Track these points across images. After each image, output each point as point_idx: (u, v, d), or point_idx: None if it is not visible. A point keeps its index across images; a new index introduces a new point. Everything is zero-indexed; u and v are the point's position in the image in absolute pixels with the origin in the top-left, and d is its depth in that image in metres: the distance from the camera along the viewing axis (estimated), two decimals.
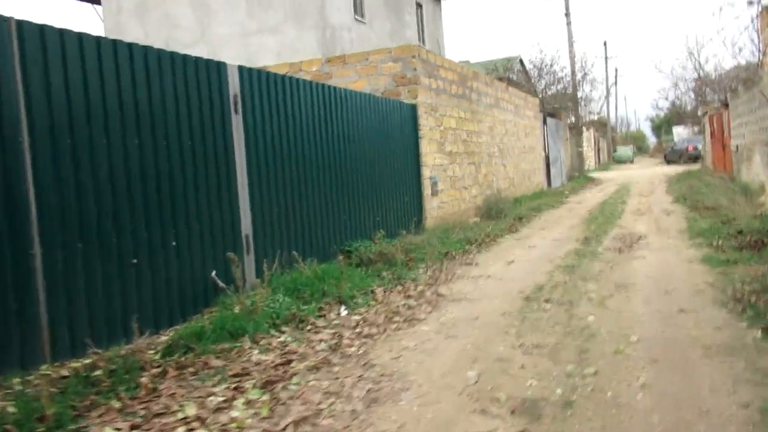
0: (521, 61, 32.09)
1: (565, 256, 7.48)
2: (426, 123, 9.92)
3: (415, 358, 4.08)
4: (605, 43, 70.04)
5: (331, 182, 7.10)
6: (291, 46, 13.80)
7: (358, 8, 15.25)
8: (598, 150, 43.67)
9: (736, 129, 14.36)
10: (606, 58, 47.72)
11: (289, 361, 4.08)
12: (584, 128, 31.22)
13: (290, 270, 5.87)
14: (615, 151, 55.31)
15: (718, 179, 14.74)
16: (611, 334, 4.18)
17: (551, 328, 4.47)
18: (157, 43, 15.91)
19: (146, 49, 4.52)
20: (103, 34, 16.76)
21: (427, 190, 9.82)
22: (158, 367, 3.87)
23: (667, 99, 49.46)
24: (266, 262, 5.71)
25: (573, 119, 26.55)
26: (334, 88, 7.43)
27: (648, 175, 26.53)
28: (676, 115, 61.17)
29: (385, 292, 5.93)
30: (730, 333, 4.03)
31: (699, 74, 22.32)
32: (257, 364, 4.03)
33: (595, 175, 28.33)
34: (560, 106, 25.56)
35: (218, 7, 14.63)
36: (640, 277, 5.98)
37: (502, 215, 11.84)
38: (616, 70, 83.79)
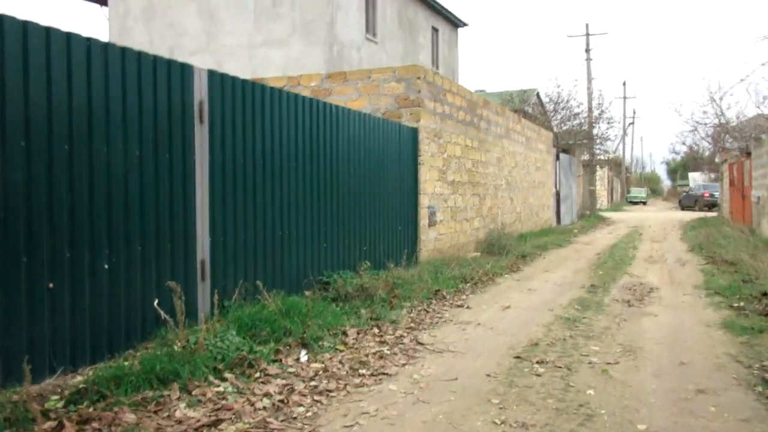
0: (538, 95, 31.57)
1: (567, 306, 6.73)
2: (427, 149, 9.27)
3: (372, 429, 3.35)
4: (624, 83, 69.68)
5: (312, 206, 6.43)
6: (297, 61, 13.27)
7: (370, 26, 14.75)
8: (612, 189, 42.91)
9: (758, 179, 13.61)
10: (624, 97, 47.24)
11: (219, 421, 3.36)
12: (598, 166, 30.52)
13: (252, 302, 5.17)
14: (629, 191, 54.52)
15: (737, 231, 13.94)
16: (613, 419, 3.43)
17: (542, 401, 3.73)
18: (162, 50, 15.51)
19: (71, 37, 3.82)
20: (107, 38, 16.40)
21: (423, 220, 9.13)
22: (55, 419, 3.17)
23: (684, 144, 48.60)
24: (226, 292, 5.03)
25: (587, 156, 25.88)
26: (324, 103, 6.80)
27: (662, 219, 25.71)
28: (692, 161, 60.38)
29: (358, 334, 5.22)
30: (761, 430, 3.27)
31: (719, 120, 21.56)
32: (179, 422, 3.32)
33: (607, 214, 27.54)
34: (575, 142, 24.90)
35: (225, 17, 14.18)
36: (651, 340, 5.22)
37: (504, 252, 11.10)
38: (634, 111, 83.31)
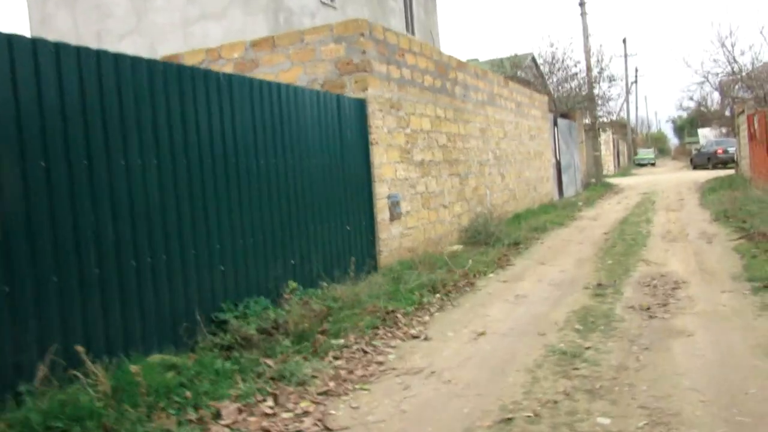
0: (533, 59, 29.38)
1: (564, 324, 4.89)
2: (382, 124, 7.39)
3: None
4: (624, 40, 66.39)
5: (198, 216, 4.60)
6: (239, 34, 11.33)
7: None
8: (618, 153, 40.79)
9: None
10: (625, 55, 44.79)
11: None
12: (601, 130, 28.44)
13: (75, 381, 3.36)
14: (636, 154, 52.35)
15: (764, 191, 11.98)
16: None
17: None
18: (88, 36, 13.60)
19: None
20: (28, 27, 14.54)
21: (382, 214, 7.28)
22: None
23: (692, 98, 46.20)
24: (20, 370, 3.24)
25: (589, 120, 23.83)
26: (215, 75, 4.94)
27: (674, 181, 23.67)
28: (700, 116, 57.81)
29: (240, 413, 3.41)
30: None
31: (732, 68, 19.42)
32: None
33: (614, 181, 25.53)
34: (574, 105, 22.86)
35: None
36: (691, 394, 3.36)
37: (492, 240, 9.24)
38: (636, 69, 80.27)
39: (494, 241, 9.31)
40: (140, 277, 4.03)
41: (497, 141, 11.93)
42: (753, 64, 18.94)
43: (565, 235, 10.58)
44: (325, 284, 5.82)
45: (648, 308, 5.22)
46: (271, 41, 7.55)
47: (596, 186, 21.83)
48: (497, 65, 24.78)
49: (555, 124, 17.79)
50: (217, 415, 3.34)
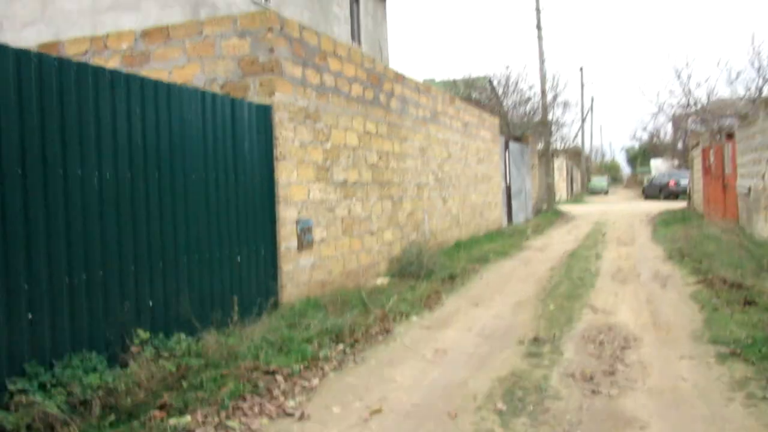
0: (490, 82, 28.78)
1: (484, 402, 3.80)
2: (293, 136, 6.25)
3: None
4: (581, 69, 66.85)
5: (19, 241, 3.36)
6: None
7: None
8: (571, 180, 40.63)
9: (747, 166, 10.97)
10: (582, 84, 44.97)
11: None
12: (555, 156, 27.96)
13: None
14: (589, 181, 52.55)
15: (721, 229, 11.27)
16: None
17: None
18: None
19: None
20: None
21: (288, 242, 6.10)
22: None
23: (645, 129, 46.68)
24: None
25: (542, 146, 23.20)
26: (52, 60, 3.72)
27: (626, 211, 23.18)
28: (652, 147, 58.56)
29: None
30: None
31: (688, 100, 19.03)
32: None
33: (566, 208, 24.94)
34: (527, 129, 22.20)
35: None
36: None
37: (424, 273, 8.17)
38: (592, 99, 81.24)
39: (427, 273, 8.24)
40: None
41: (440, 162, 10.93)
42: (708, 97, 18.58)
43: (509, 268, 9.59)
44: (214, 331, 4.60)
45: (591, 377, 4.18)
46: (165, 32, 6.35)
47: (547, 213, 21.13)
48: (450, 86, 24.04)
49: (506, 147, 16.98)
50: None
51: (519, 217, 18.20)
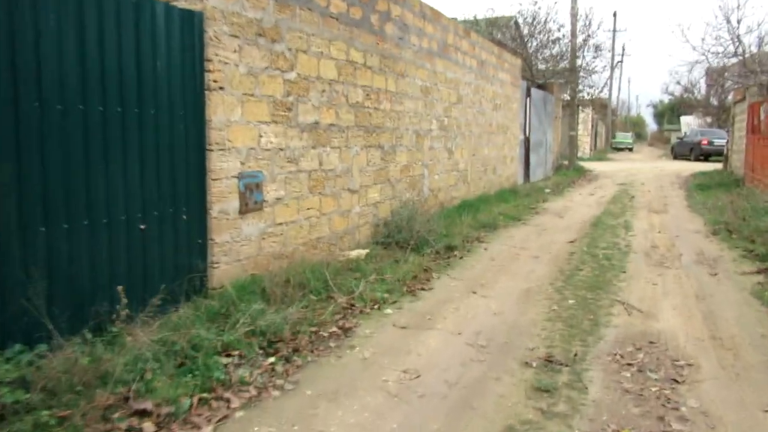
0: (516, 23, 26.40)
1: None
2: (238, 59, 4.61)
3: None
4: (615, 14, 63.20)
5: None
6: None
7: None
8: (595, 134, 38.41)
9: None
10: (614, 30, 42.12)
11: None
12: (581, 107, 25.88)
13: None
14: (614, 136, 50.15)
15: None
16: None
17: None
18: None
19: None
20: None
21: (223, 203, 4.56)
22: None
23: (679, 83, 43.82)
24: None
25: (568, 95, 21.19)
26: None
27: (655, 171, 21.30)
28: (682, 103, 55.51)
29: None
30: None
31: (736, 49, 16.84)
32: None
33: (589, 165, 23.08)
34: (553, 76, 20.19)
35: None
36: None
37: (414, 242, 6.65)
38: (623, 47, 77.13)
39: (419, 243, 6.71)
40: None
41: (447, 106, 9.22)
42: (759, 46, 16.39)
43: (520, 238, 8.02)
44: (88, 336, 3.11)
45: None
46: None
47: (568, 170, 19.35)
48: (472, 25, 21.88)
49: (528, 94, 15.11)
50: None
51: (537, 174, 16.48)
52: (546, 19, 20.00)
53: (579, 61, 20.45)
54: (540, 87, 17.64)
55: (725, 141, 24.41)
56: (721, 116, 35.20)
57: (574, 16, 19.56)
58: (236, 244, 4.71)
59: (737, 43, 16.58)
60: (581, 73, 20.91)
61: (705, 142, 27.49)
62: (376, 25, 6.81)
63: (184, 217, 4.25)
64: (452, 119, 9.47)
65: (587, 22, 20.80)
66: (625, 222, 9.35)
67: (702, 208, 10.60)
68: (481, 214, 9.28)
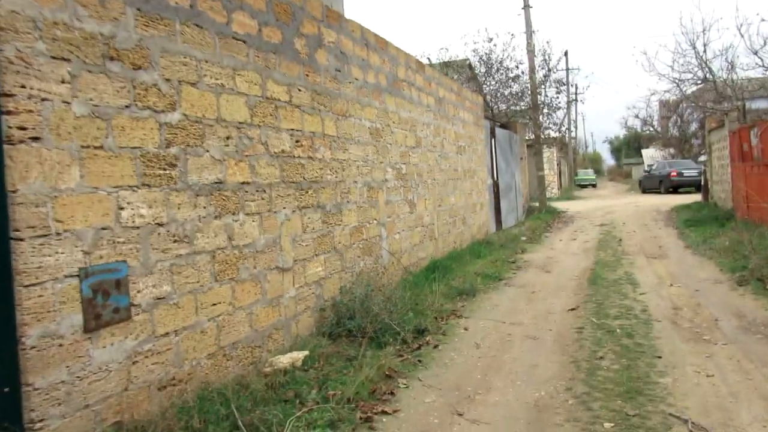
0: (470, 66, 25.47)
1: None
2: (67, 94, 2.96)
3: None
4: (566, 53, 63.53)
5: None
6: None
7: None
8: (560, 173, 37.67)
9: None
10: (567, 69, 41.95)
11: None
12: (545, 146, 24.85)
13: None
14: (576, 174, 49.78)
15: None
16: None
17: None
18: None
19: None
20: None
21: (48, 322, 2.80)
22: None
23: (638, 116, 43.92)
24: None
25: (532, 133, 20.05)
26: None
27: (630, 208, 20.11)
28: (637, 137, 55.66)
29: None
30: None
31: (705, 75, 15.94)
32: None
33: (560, 206, 21.84)
34: (515, 115, 19.06)
35: None
36: None
37: (369, 330, 4.94)
38: (576, 86, 77.96)
39: (379, 331, 5.01)
40: None
41: (404, 151, 7.68)
42: (729, 70, 15.50)
43: (506, 307, 6.38)
44: None
45: None
46: None
47: (541, 213, 17.99)
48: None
49: (493, 134, 13.78)
50: None
51: (509, 220, 15.04)
52: (502, 57, 18.95)
53: (541, 98, 19.40)
54: (503, 126, 16.41)
55: (697, 172, 23.58)
56: (684, 147, 34.81)
57: (531, 52, 18.60)
58: (81, 382, 2.94)
59: (706, 69, 15.67)
60: (545, 110, 19.85)
61: (674, 173, 26.70)
62: (303, 53, 5.25)
63: None
64: (411, 166, 7.93)
65: (546, 57, 19.86)
66: (627, 274, 7.82)
67: (706, 250, 9.17)
68: (454, 276, 7.67)
